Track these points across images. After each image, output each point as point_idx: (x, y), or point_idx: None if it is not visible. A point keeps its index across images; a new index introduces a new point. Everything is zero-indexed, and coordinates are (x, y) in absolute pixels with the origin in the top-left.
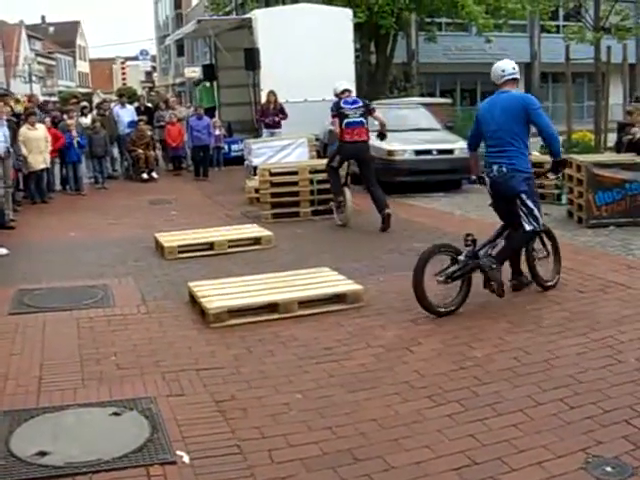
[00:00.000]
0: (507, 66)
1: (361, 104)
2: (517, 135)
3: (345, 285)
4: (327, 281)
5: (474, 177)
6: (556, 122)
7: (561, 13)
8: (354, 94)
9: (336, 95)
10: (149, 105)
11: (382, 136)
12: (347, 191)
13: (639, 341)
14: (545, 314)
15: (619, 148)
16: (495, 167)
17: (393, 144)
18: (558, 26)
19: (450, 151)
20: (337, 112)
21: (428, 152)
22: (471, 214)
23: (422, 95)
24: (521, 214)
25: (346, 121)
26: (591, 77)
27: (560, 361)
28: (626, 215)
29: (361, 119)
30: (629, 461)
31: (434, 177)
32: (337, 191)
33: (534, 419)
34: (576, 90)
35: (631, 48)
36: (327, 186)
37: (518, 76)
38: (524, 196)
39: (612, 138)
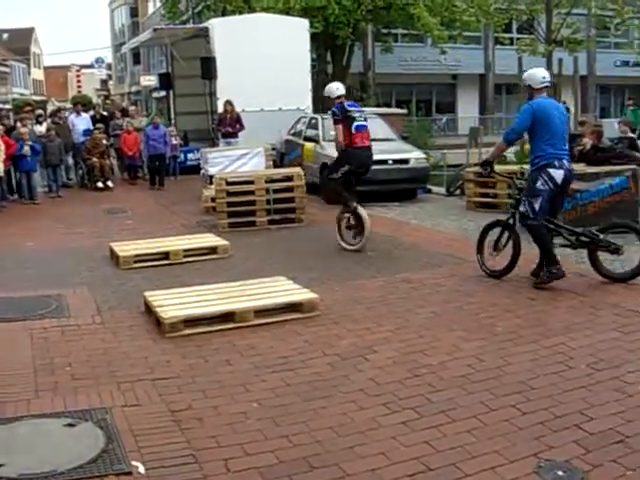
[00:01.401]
0: (546, 74)
1: (361, 108)
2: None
3: (301, 294)
4: (283, 290)
5: (488, 161)
6: None
7: (515, 26)
8: (310, 104)
9: (330, 99)
10: (105, 114)
11: None
12: (363, 211)
13: (589, 347)
14: (498, 322)
15: (570, 158)
16: (565, 161)
17: None
18: (512, 38)
19: (406, 161)
20: (344, 116)
21: (384, 162)
22: (426, 223)
23: (378, 105)
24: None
25: (355, 124)
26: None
27: (512, 368)
28: (577, 224)
29: (366, 123)
30: (580, 465)
31: (390, 187)
32: (350, 197)
33: (487, 425)
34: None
35: (583, 61)
36: (283, 195)
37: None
38: None
39: None
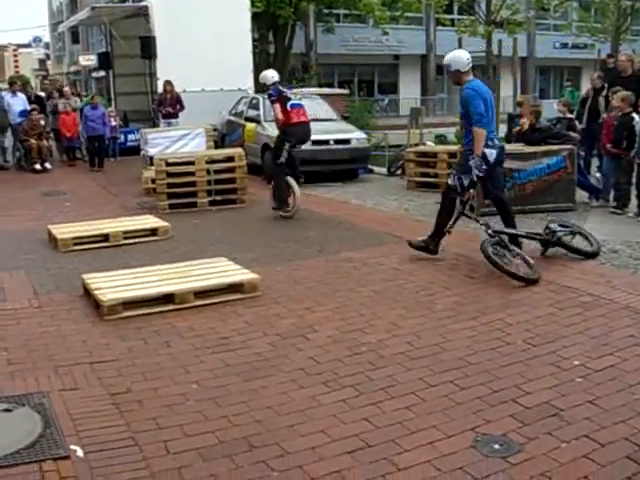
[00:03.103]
0: (468, 54)
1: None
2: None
3: (241, 275)
4: (224, 271)
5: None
6: (450, 113)
7: (455, 7)
8: (252, 84)
9: (266, 85)
10: (40, 94)
11: None
12: (291, 179)
13: (526, 324)
14: (437, 299)
15: (509, 139)
16: (497, 140)
17: None
18: (453, 20)
19: (347, 141)
20: (279, 96)
21: (325, 142)
22: (367, 203)
23: (320, 85)
24: None
25: (290, 103)
26: (484, 70)
27: (451, 344)
28: (515, 203)
29: (302, 102)
30: (516, 438)
31: (331, 167)
32: (285, 199)
33: (426, 401)
34: None
35: (523, 42)
36: (224, 176)
37: None
38: None
39: (504, 129)
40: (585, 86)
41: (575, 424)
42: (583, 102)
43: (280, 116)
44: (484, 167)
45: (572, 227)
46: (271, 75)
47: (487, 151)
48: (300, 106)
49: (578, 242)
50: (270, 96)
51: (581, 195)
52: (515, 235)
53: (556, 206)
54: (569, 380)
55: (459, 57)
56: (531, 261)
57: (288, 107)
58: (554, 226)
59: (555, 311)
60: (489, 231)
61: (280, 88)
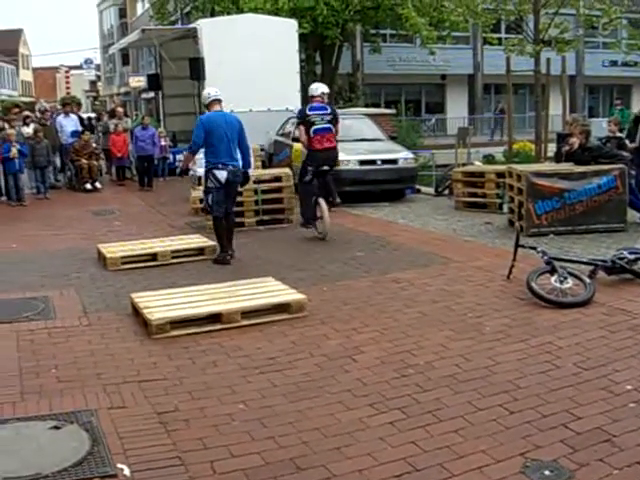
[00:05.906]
0: (212, 90)
1: (329, 111)
2: (236, 144)
3: (289, 295)
4: (271, 291)
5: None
6: (498, 132)
7: (503, 26)
8: (299, 104)
9: (312, 97)
10: (83, 116)
11: None
12: (322, 201)
13: (576, 346)
14: (486, 321)
15: (558, 158)
16: (231, 166)
17: None
18: (500, 38)
19: (394, 161)
20: (303, 120)
21: (372, 162)
22: (414, 223)
23: (367, 105)
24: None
25: (314, 128)
26: (533, 88)
27: (500, 367)
28: (565, 223)
29: (329, 125)
30: (567, 464)
31: (378, 187)
32: (312, 215)
33: (474, 425)
34: (518, 101)
35: (571, 61)
36: (272, 196)
37: (221, 98)
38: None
39: (553, 148)
40: (635, 104)
41: (627, 450)
42: (635, 121)
43: (304, 139)
44: (217, 185)
45: None
46: (315, 87)
47: (217, 172)
48: (324, 131)
49: None
50: (297, 117)
51: (632, 215)
52: (577, 262)
53: (607, 227)
54: (621, 405)
55: (204, 94)
56: (587, 280)
57: (311, 133)
58: (624, 253)
59: (607, 334)
60: (545, 258)
61: (307, 111)
